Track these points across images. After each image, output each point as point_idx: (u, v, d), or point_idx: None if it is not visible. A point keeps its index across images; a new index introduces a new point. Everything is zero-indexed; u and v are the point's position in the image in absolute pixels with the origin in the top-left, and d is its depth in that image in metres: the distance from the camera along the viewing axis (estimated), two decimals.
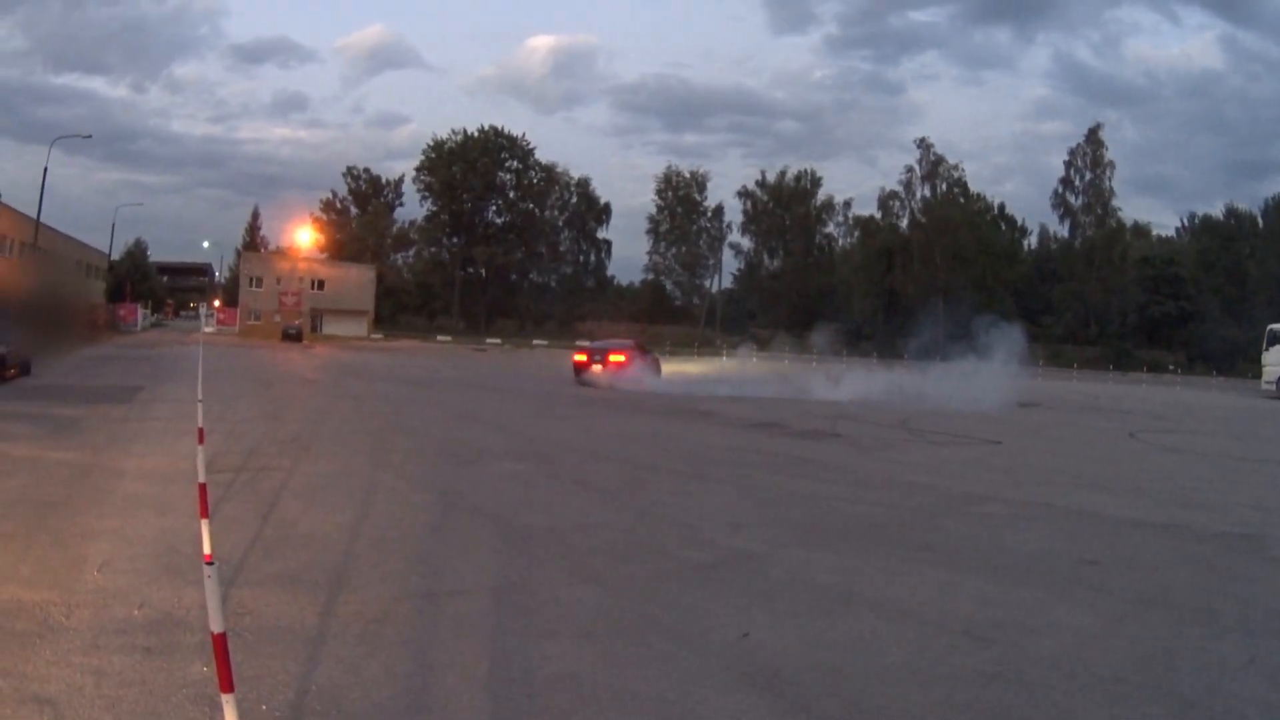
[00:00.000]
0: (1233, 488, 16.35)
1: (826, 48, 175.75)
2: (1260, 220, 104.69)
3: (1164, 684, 6.44)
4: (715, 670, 6.37)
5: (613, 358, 37.44)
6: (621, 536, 10.34)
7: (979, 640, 7.17)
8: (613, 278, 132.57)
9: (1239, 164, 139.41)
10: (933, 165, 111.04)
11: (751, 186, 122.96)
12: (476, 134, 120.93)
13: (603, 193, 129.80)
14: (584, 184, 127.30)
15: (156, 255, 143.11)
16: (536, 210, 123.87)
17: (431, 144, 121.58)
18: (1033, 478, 16.45)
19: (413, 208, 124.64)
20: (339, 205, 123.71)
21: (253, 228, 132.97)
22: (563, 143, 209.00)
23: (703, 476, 15.17)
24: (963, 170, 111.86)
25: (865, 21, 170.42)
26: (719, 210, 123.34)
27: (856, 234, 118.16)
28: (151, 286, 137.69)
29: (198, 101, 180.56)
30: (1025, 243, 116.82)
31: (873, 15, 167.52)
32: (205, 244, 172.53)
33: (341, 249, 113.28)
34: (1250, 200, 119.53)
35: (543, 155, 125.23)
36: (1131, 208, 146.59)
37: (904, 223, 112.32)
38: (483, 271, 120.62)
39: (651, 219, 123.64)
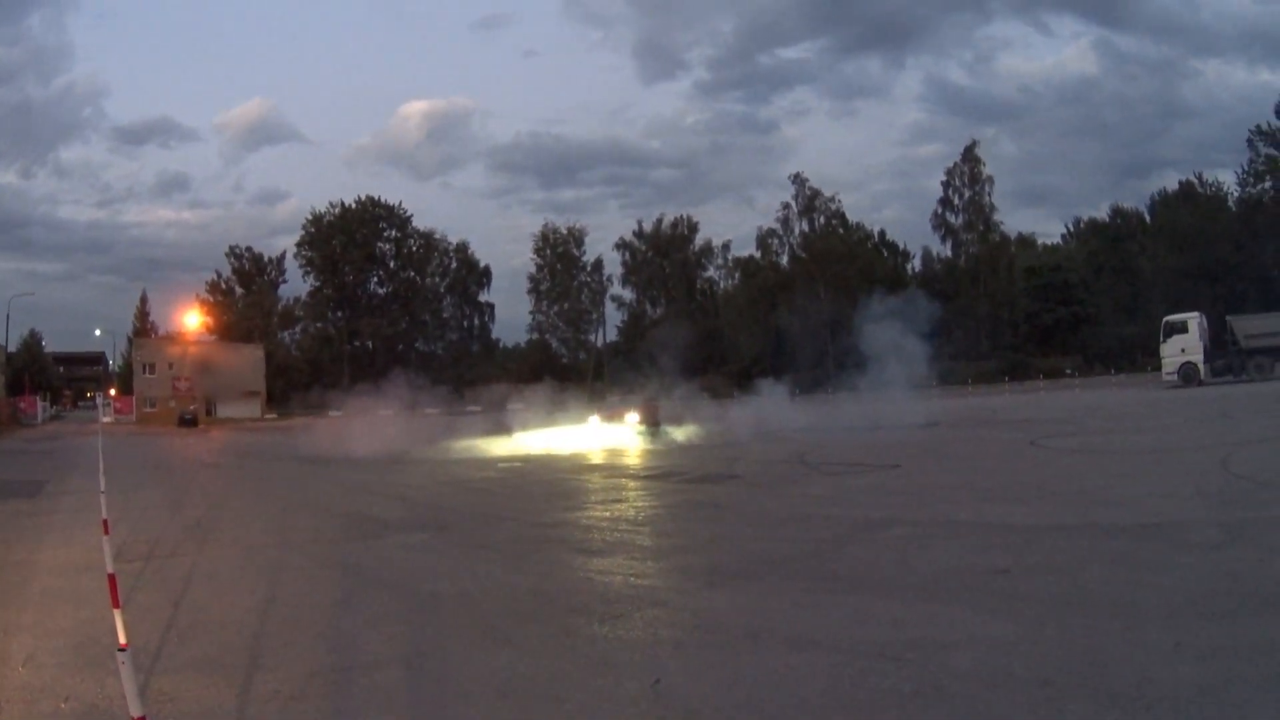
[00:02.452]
0: (1141, 481, 16.74)
1: (698, 93, 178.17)
2: (1148, 216, 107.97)
3: (1091, 680, 6.49)
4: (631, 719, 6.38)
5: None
6: (528, 596, 10.34)
7: (895, 661, 7.17)
8: (498, 340, 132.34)
9: (1123, 165, 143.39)
10: (809, 200, 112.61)
11: (629, 237, 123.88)
12: (354, 205, 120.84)
13: (483, 255, 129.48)
14: (463, 248, 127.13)
15: (51, 345, 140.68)
16: (418, 278, 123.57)
17: (310, 218, 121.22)
18: (934, 497, 16.67)
19: (296, 284, 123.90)
20: (224, 286, 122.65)
21: (142, 313, 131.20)
22: (441, 208, 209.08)
23: (603, 529, 15.16)
24: (840, 202, 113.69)
25: (735, 63, 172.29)
26: (598, 264, 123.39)
27: (737, 275, 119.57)
28: (49, 378, 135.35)
29: (84, 186, 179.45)
30: (909, 267, 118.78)
31: (742, 56, 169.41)
32: (97, 332, 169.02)
33: (230, 330, 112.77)
34: (1137, 199, 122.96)
35: (423, 222, 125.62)
36: (1015, 220, 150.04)
37: (784, 259, 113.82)
38: (370, 344, 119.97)
39: (531, 278, 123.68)
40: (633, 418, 41.16)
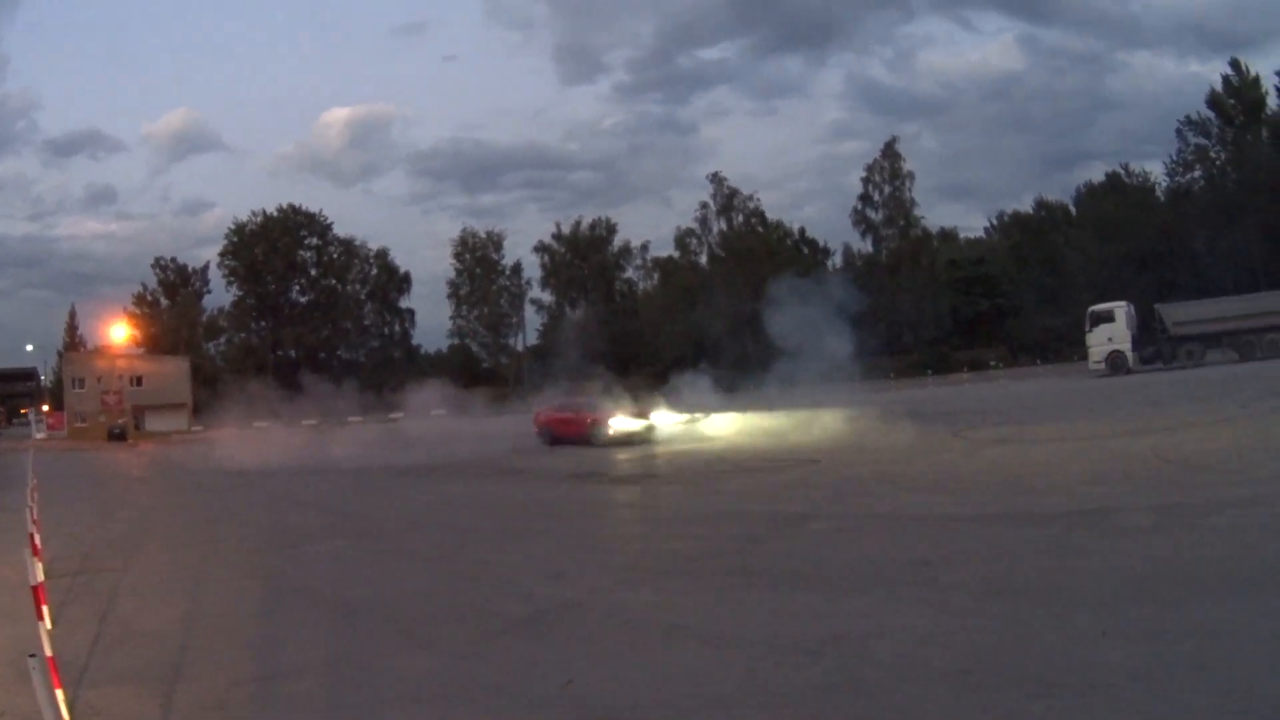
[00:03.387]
0: (1069, 468, 16.81)
1: (617, 95, 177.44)
2: (1073, 208, 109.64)
3: (1016, 668, 6.45)
4: None
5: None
6: (446, 600, 10.40)
7: (811, 654, 7.11)
8: (419, 346, 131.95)
9: (1048, 158, 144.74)
10: (727, 199, 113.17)
11: (548, 240, 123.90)
12: (276, 214, 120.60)
13: (403, 261, 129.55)
14: (383, 255, 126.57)
15: None
16: (339, 286, 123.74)
17: (233, 227, 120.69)
18: (854, 490, 16.69)
19: (220, 294, 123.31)
20: (150, 298, 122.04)
21: (71, 327, 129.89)
22: (363, 215, 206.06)
23: (521, 533, 15.17)
24: (758, 200, 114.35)
25: (654, 65, 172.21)
26: (517, 267, 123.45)
27: (656, 275, 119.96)
28: None
29: (17, 200, 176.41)
30: (830, 263, 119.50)
31: (661, 57, 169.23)
32: (29, 348, 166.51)
33: (156, 342, 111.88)
34: (1062, 191, 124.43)
35: (346, 229, 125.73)
36: (938, 215, 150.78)
37: (703, 259, 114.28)
38: (293, 353, 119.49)
39: (451, 283, 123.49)
40: (658, 416, 40.23)
